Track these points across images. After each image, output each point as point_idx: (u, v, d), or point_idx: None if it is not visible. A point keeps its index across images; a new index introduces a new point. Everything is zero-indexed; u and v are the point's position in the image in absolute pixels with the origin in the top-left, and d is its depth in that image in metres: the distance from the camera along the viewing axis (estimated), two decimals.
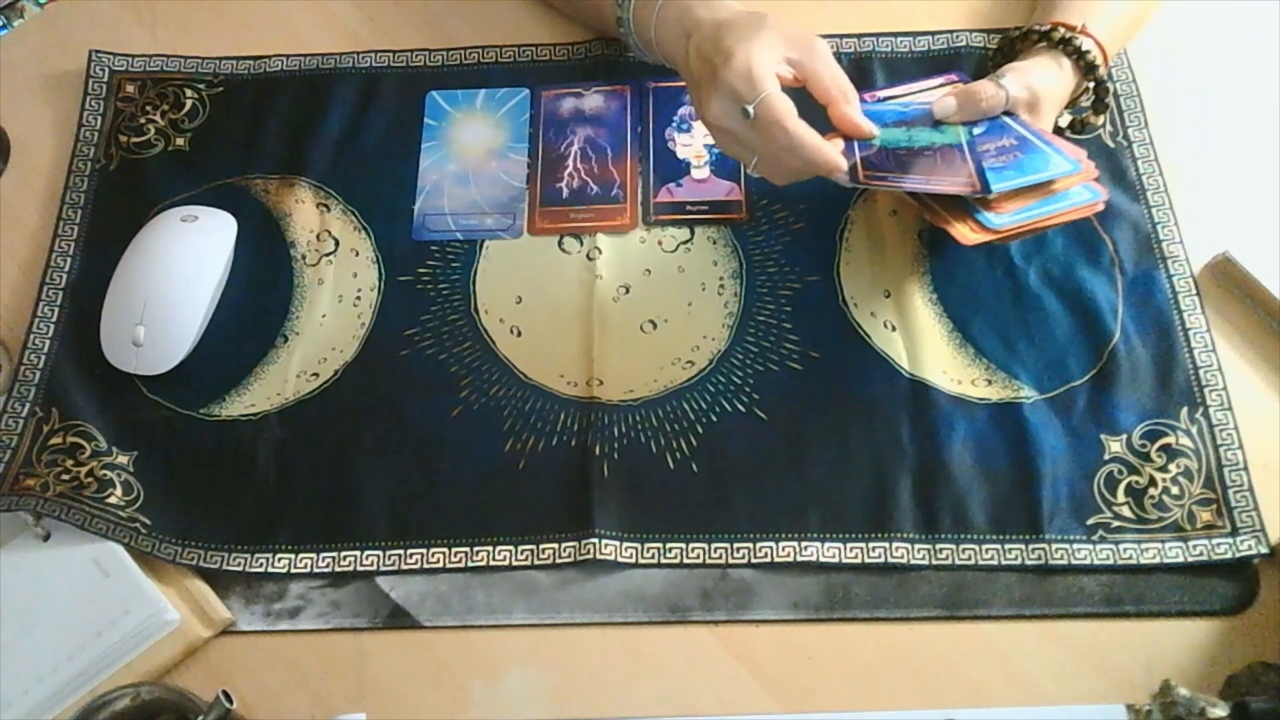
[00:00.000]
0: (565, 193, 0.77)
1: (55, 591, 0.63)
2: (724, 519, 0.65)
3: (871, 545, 0.64)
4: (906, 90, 0.72)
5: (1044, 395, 0.67)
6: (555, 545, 0.65)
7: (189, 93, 0.82)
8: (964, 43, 0.80)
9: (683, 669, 0.62)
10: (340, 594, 0.64)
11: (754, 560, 0.64)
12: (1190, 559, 0.62)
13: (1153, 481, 0.64)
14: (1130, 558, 0.62)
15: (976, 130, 0.66)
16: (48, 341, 0.72)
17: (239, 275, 0.74)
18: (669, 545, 0.64)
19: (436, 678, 0.62)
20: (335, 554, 0.65)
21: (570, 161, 0.78)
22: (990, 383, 0.68)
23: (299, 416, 0.69)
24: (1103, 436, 0.66)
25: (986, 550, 0.63)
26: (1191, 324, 0.69)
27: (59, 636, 0.62)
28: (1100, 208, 0.65)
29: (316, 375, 0.71)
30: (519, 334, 0.72)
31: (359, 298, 0.73)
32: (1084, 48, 0.68)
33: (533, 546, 0.65)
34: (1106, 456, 0.65)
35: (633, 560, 0.64)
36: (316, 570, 0.65)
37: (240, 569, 0.65)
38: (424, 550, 0.65)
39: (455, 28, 0.84)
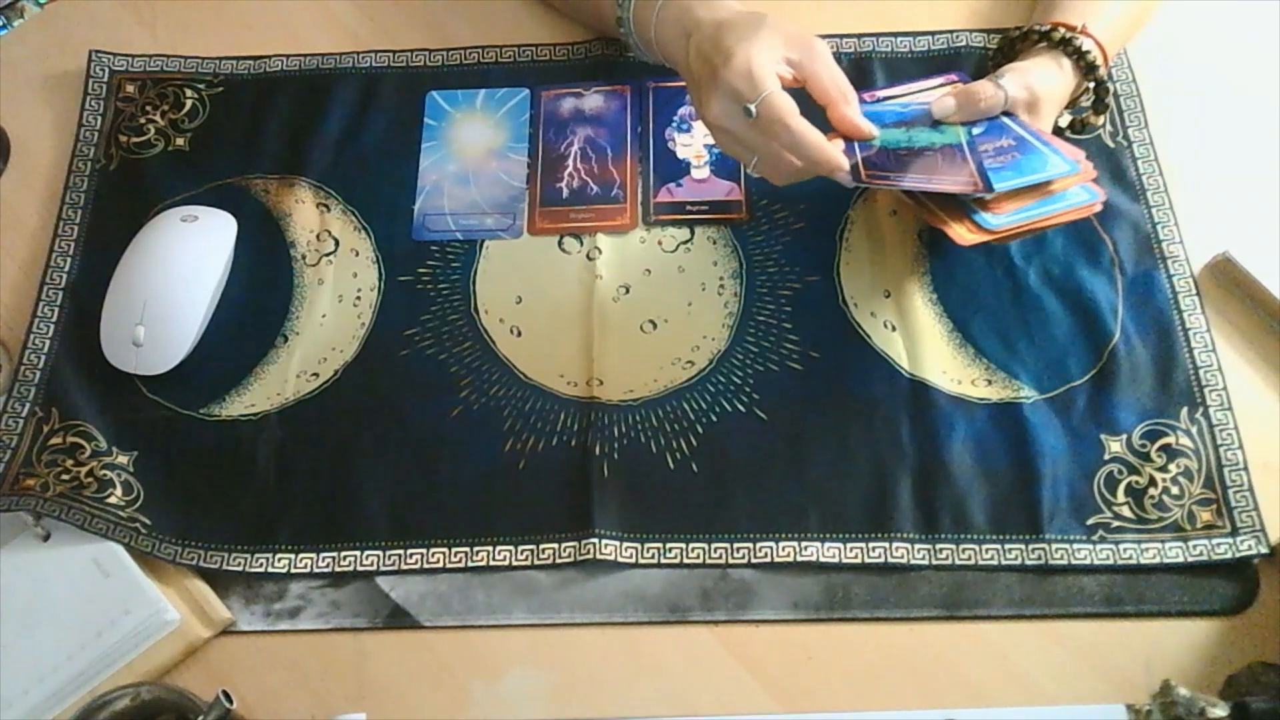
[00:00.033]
0: (565, 193, 0.76)
1: (55, 591, 0.63)
2: (724, 519, 0.65)
3: (871, 545, 0.64)
4: (906, 90, 0.72)
5: (1044, 395, 0.67)
6: (555, 545, 0.65)
7: (189, 93, 0.82)
8: (964, 43, 0.80)
9: (683, 669, 0.62)
10: (340, 594, 0.64)
11: (754, 560, 0.64)
12: (1190, 559, 0.62)
13: (1153, 481, 0.64)
14: (1130, 558, 0.62)
15: (976, 130, 0.66)
16: (48, 341, 0.72)
17: (239, 275, 0.74)
18: (669, 545, 0.64)
19: (436, 678, 0.62)
20: (335, 554, 0.65)
21: (570, 161, 0.78)
22: (990, 383, 0.68)
23: (299, 416, 0.69)
24: (1103, 436, 0.66)
25: (986, 550, 0.63)
26: (1191, 324, 0.69)
27: (59, 636, 0.62)
28: (1098, 208, 0.65)
29: (316, 375, 0.71)
30: (519, 334, 0.72)
31: (359, 298, 0.73)
32: (1084, 48, 0.68)
33: (533, 546, 0.65)
34: (1106, 456, 0.65)
35: (633, 560, 0.64)
36: (316, 570, 0.65)
37: (240, 569, 0.65)
38: (424, 550, 0.65)
39: (455, 28, 0.84)
